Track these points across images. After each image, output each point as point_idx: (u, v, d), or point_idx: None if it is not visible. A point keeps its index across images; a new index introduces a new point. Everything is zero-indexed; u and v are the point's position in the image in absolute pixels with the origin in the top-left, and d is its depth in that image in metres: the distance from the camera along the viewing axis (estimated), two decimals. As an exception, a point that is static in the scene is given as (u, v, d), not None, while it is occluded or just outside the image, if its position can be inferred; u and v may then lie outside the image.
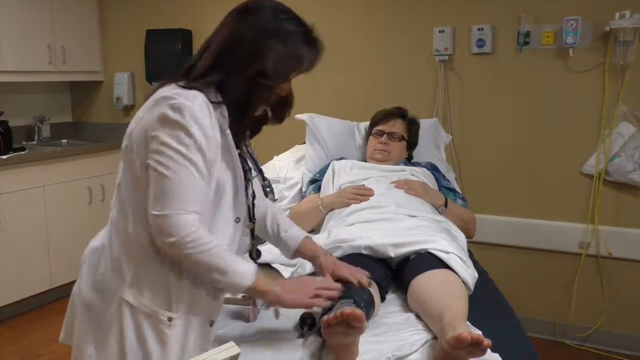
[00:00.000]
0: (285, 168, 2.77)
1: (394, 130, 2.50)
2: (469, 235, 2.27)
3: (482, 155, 3.22)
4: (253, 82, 1.28)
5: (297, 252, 1.59)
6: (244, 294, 1.47)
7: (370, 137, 2.56)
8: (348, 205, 2.16)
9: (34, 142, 4.14)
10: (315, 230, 2.33)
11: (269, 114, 1.42)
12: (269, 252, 2.00)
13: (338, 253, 1.83)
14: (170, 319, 1.29)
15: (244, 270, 1.29)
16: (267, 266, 1.94)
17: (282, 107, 1.42)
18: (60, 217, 3.71)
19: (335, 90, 3.51)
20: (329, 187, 2.37)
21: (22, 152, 3.64)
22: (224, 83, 1.28)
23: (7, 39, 3.62)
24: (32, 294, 3.60)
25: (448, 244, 1.79)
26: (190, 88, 1.25)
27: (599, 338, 3.06)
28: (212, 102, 1.26)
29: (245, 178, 1.39)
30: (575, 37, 2.83)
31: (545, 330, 3.16)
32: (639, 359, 2.96)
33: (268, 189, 1.55)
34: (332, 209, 2.24)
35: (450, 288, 1.61)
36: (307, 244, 1.59)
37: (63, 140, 4.24)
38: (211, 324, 1.37)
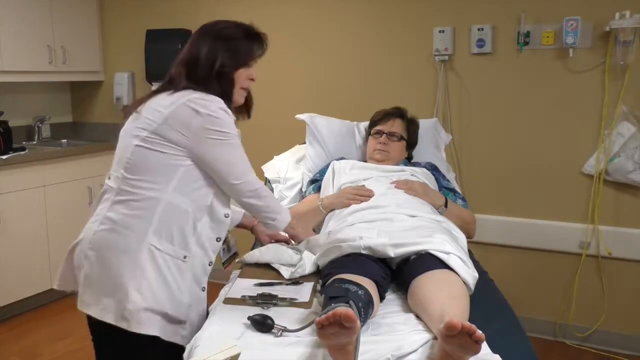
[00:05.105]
0: (285, 168, 2.77)
1: (393, 130, 2.50)
2: (469, 235, 2.27)
3: (482, 155, 3.22)
4: (221, 75, 1.70)
5: (240, 224, 2.07)
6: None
7: (370, 137, 2.56)
8: (348, 205, 2.16)
9: (34, 142, 4.15)
10: (315, 230, 2.33)
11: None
12: (267, 251, 2.00)
13: (337, 253, 1.83)
14: (185, 257, 1.67)
15: (286, 212, 1.87)
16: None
17: (247, 105, 1.86)
18: (60, 217, 3.71)
19: (335, 90, 3.51)
20: (329, 188, 2.37)
21: (22, 152, 3.64)
22: (212, 86, 1.69)
23: (7, 39, 3.62)
24: (32, 294, 3.60)
25: (448, 244, 1.79)
26: (196, 89, 1.67)
27: (599, 338, 3.06)
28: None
29: None
30: (575, 37, 2.83)
31: (545, 330, 3.17)
32: (639, 359, 2.96)
33: None
34: (332, 209, 2.24)
35: (450, 288, 1.61)
36: (246, 218, 2.07)
37: (63, 140, 4.24)
38: (210, 264, 1.75)
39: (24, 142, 4.00)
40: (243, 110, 1.87)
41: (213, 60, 1.70)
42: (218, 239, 1.76)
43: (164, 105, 1.64)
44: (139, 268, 1.60)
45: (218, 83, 1.69)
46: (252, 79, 1.79)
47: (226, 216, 1.76)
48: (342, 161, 2.49)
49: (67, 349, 3.13)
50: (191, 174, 1.66)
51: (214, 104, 1.64)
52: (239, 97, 1.78)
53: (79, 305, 1.67)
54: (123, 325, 1.59)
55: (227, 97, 1.71)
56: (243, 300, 1.69)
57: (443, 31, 3.18)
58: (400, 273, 1.81)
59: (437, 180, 2.44)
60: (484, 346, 1.31)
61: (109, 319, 1.61)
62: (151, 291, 1.61)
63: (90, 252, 1.64)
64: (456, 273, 1.69)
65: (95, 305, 1.63)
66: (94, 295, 1.64)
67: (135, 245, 1.61)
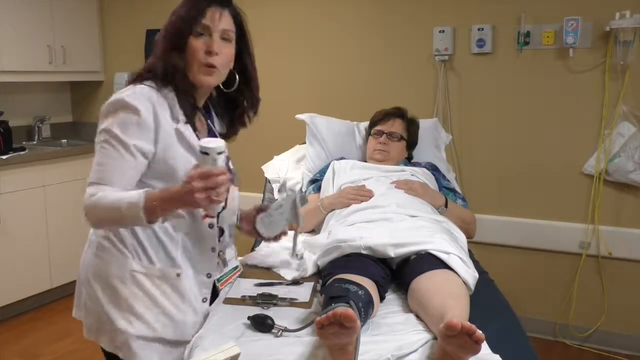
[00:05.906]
0: (286, 168, 2.77)
1: (393, 130, 2.50)
2: (469, 235, 2.27)
3: (482, 155, 3.22)
4: (165, 52, 1.46)
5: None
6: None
7: (370, 137, 2.56)
8: (348, 205, 2.16)
9: (34, 142, 4.15)
10: (315, 230, 2.33)
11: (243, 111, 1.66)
12: (269, 256, 2.00)
13: (337, 253, 1.83)
14: (178, 274, 1.53)
15: (131, 198, 1.33)
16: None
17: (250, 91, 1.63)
18: (60, 217, 3.71)
19: (336, 90, 3.51)
20: (329, 187, 2.37)
21: (22, 152, 3.64)
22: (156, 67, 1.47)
23: (7, 39, 3.62)
24: (32, 294, 3.60)
25: (448, 244, 1.79)
26: (134, 83, 1.47)
27: (599, 338, 3.06)
28: (156, 89, 1.45)
29: None
30: (575, 37, 2.83)
31: (545, 330, 3.17)
32: (639, 359, 2.96)
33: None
34: (333, 209, 2.24)
35: (450, 288, 1.61)
36: (245, 219, 1.75)
37: (63, 140, 4.24)
38: (208, 276, 1.60)
39: (24, 142, 4.00)
40: (240, 112, 1.65)
41: (159, 37, 1.47)
42: (213, 249, 1.59)
43: None
44: (123, 297, 1.49)
45: (162, 65, 1.45)
46: (210, 52, 1.45)
47: (210, 226, 1.55)
48: (342, 161, 2.49)
49: (67, 349, 3.13)
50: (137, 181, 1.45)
51: (117, 96, 1.43)
52: (199, 77, 1.47)
53: (85, 334, 1.60)
54: (119, 354, 1.53)
55: (174, 83, 1.46)
56: (243, 300, 1.69)
57: (443, 31, 3.18)
58: (400, 273, 1.81)
59: (437, 180, 2.44)
60: (484, 346, 1.31)
61: (106, 347, 1.55)
62: (141, 319, 1.50)
63: (83, 278, 1.59)
64: (456, 273, 1.69)
65: (94, 333, 1.57)
66: (91, 323, 1.58)
67: (117, 271, 1.50)
